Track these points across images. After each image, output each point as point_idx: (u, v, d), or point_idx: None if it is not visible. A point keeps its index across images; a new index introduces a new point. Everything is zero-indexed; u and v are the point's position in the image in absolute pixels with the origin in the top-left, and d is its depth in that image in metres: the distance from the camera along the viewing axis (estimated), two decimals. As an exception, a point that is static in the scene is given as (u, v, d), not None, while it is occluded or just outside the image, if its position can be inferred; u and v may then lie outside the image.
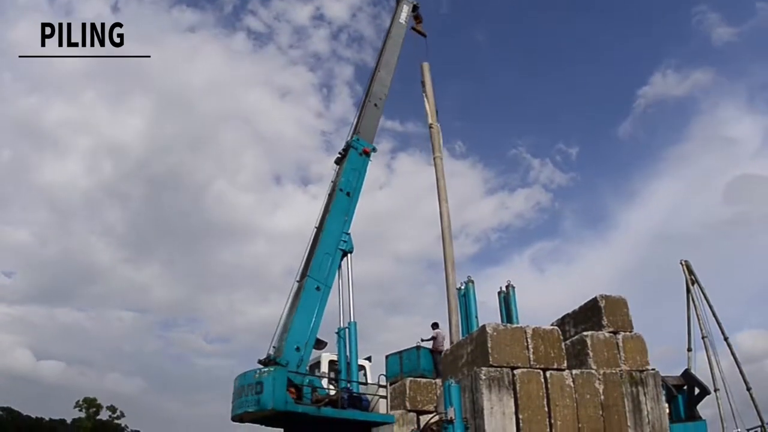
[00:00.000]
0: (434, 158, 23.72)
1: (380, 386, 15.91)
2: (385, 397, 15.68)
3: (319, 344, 15.66)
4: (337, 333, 15.93)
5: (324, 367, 16.22)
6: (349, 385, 15.54)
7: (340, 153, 18.31)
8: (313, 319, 15.50)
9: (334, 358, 15.91)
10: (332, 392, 15.23)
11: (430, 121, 24.27)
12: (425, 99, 24.82)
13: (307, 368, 16.39)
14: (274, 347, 14.85)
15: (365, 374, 16.40)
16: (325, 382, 15.95)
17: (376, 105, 19.50)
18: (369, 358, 17.26)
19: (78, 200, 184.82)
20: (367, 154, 18.25)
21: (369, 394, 15.70)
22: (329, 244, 16.49)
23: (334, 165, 18.18)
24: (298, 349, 14.93)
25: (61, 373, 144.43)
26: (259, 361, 14.41)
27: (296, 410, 13.76)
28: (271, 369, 13.88)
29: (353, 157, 18.04)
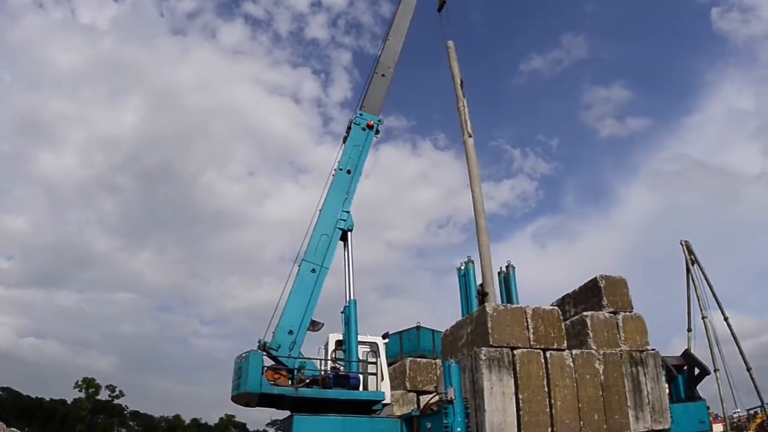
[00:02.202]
0: (464, 141, 21.00)
1: (369, 363, 15.94)
2: (374, 374, 15.72)
3: (315, 325, 15.66)
4: (342, 312, 15.99)
5: (331, 347, 16.24)
6: (341, 364, 15.63)
7: (345, 132, 18.17)
8: (308, 302, 15.51)
9: (341, 337, 15.95)
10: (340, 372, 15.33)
11: (457, 103, 21.60)
12: (453, 80, 22.13)
13: (321, 348, 16.53)
14: (273, 332, 14.96)
15: (377, 352, 16.38)
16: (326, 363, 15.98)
17: (383, 75, 19.10)
18: (385, 335, 17.20)
19: (74, 191, 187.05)
20: (370, 127, 18.05)
21: (368, 374, 15.73)
22: (327, 224, 16.44)
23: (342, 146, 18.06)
24: (291, 332, 15.01)
25: (40, 351, 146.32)
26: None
27: (272, 392, 13.91)
28: (248, 353, 14.18)
29: (355, 132, 17.90)
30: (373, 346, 16.59)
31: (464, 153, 20.80)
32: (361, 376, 15.41)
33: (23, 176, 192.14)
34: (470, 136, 20.62)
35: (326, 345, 16.50)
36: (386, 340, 17.19)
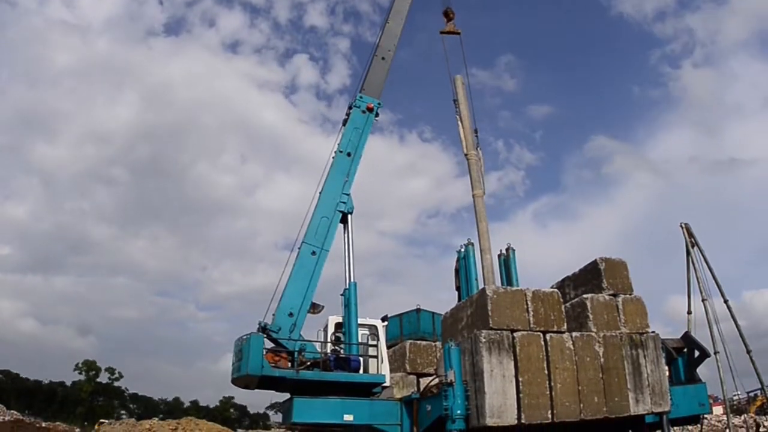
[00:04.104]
0: (473, 196, 19.29)
1: (370, 346, 15.96)
2: (375, 357, 15.74)
3: (315, 308, 15.67)
4: (342, 295, 15.98)
5: (330, 329, 16.27)
6: (341, 346, 15.63)
7: (345, 114, 18.14)
8: (308, 284, 15.51)
9: (341, 320, 15.96)
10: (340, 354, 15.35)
11: (465, 150, 19.97)
12: (459, 121, 20.40)
13: (321, 331, 16.55)
14: (273, 314, 14.95)
15: (376, 335, 16.43)
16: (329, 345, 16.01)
17: (383, 58, 19.08)
18: (384, 318, 17.23)
19: (73, 181, 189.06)
20: (370, 110, 18.05)
21: (368, 356, 15.73)
22: (327, 207, 16.42)
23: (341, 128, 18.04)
24: (291, 314, 15.00)
25: (37, 334, 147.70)
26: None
27: (273, 374, 13.90)
28: (249, 335, 14.21)
29: (355, 115, 17.90)
30: (373, 328, 16.60)
31: (473, 210, 19.22)
32: (361, 359, 15.43)
33: (22, 167, 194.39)
34: (483, 193, 19.38)
35: (326, 327, 16.51)
36: (385, 323, 17.21)
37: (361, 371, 15.21)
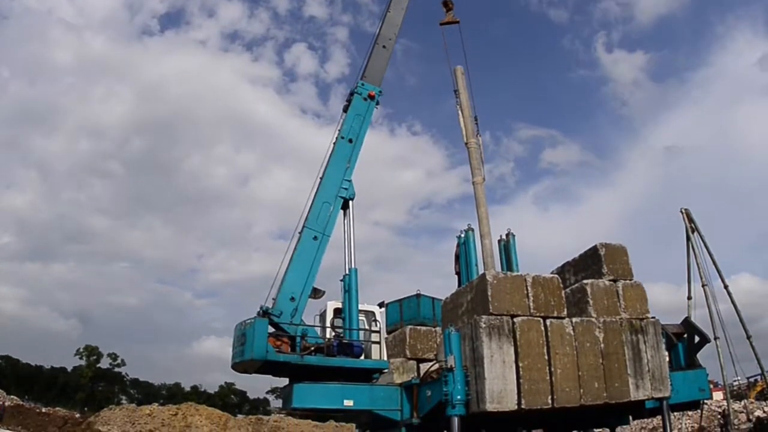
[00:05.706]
0: (473, 183, 19.45)
1: (373, 332, 15.97)
2: (378, 343, 15.74)
3: (316, 293, 15.67)
4: (341, 281, 15.97)
5: (329, 315, 16.29)
6: (343, 332, 15.64)
7: (346, 101, 18.11)
8: (310, 269, 15.48)
9: (339, 305, 15.97)
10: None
11: (465, 138, 20.13)
12: (459, 111, 20.64)
13: (317, 316, 16.56)
14: (273, 299, 14.92)
15: (374, 320, 16.47)
16: (329, 331, 16.03)
17: (384, 46, 19.03)
18: (381, 304, 17.28)
19: (70, 174, 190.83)
20: (372, 97, 18.03)
21: (371, 342, 15.77)
22: (329, 192, 16.39)
23: (342, 114, 18.01)
24: (292, 299, 14.97)
25: (37, 320, 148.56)
26: (258, 313, 14.54)
27: (277, 359, 13.87)
28: (253, 320, 14.09)
29: (357, 102, 17.86)
30: (370, 315, 16.65)
31: (473, 196, 19.30)
32: (363, 345, 15.47)
33: (21, 160, 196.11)
34: (483, 180, 19.49)
35: (323, 313, 16.54)
36: (382, 309, 17.25)
37: (362, 357, 15.24)
